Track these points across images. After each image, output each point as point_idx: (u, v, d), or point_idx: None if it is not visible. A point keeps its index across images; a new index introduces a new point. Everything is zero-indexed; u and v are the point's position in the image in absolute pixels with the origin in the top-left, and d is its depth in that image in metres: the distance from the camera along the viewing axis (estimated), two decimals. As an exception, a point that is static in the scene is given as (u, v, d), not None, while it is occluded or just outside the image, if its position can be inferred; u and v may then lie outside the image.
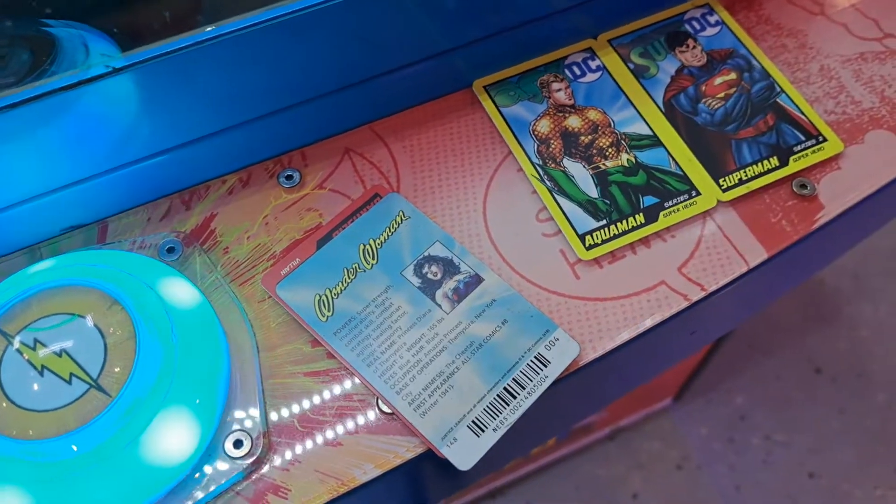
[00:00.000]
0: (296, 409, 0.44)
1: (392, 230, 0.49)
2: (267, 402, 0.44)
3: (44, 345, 0.40)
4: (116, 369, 0.40)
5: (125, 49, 0.54)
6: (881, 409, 1.41)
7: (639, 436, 1.34)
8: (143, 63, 0.44)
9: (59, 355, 0.40)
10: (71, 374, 0.39)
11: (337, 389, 0.45)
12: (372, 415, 0.44)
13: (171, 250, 0.48)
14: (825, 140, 0.53)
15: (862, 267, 1.54)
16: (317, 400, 0.44)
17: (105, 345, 0.40)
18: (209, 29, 0.46)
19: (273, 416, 0.44)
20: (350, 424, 0.44)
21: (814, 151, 0.52)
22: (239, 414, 0.43)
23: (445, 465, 0.42)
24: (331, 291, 0.47)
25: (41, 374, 0.39)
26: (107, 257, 0.46)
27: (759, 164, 0.52)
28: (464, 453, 0.42)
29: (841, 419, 1.40)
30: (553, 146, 0.53)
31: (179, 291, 0.44)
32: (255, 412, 0.43)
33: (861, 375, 1.44)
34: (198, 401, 0.41)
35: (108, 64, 0.43)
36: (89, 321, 0.41)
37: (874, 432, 1.38)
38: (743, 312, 0.63)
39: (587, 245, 0.49)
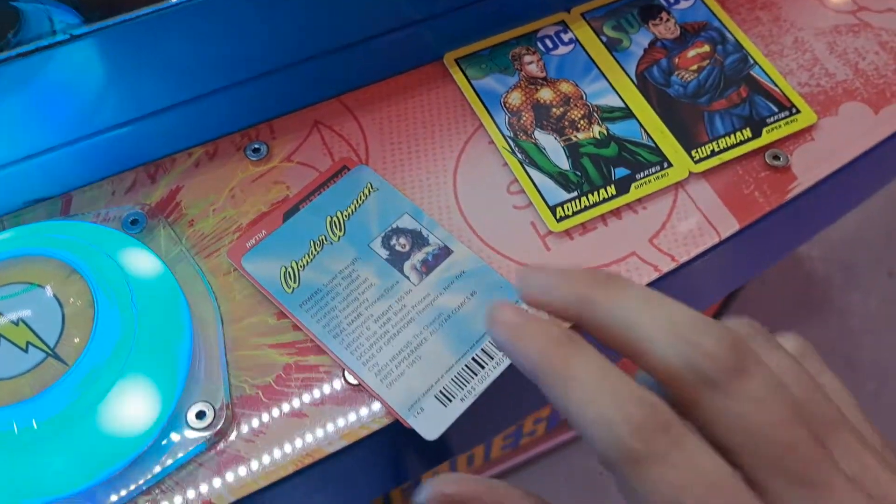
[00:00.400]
0: (260, 380, 0.43)
1: (360, 202, 0.48)
2: (231, 373, 0.43)
3: (1, 314, 0.40)
4: (75, 339, 0.39)
5: (91, 23, 0.53)
6: (870, 398, 1.41)
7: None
8: (106, 29, 0.43)
9: (16, 324, 0.39)
10: (28, 343, 0.39)
11: (303, 361, 0.44)
12: (338, 385, 0.43)
13: (134, 222, 0.47)
14: (798, 112, 0.52)
15: (852, 257, 1.54)
16: (282, 372, 0.44)
17: (63, 314, 0.40)
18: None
19: (237, 388, 0.43)
20: (316, 395, 0.43)
21: (787, 123, 0.52)
22: (202, 385, 0.42)
23: (415, 437, 0.42)
24: (297, 263, 0.46)
25: (-2, 342, 0.39)
26: (67, 228, 0.45)
27: (732, 136, 0.51)
28: (430, 423, 0.42)
29: (830, 408, 1.40)
30: (524, 118, 0.52)
31: (141, 262, 0.44)
32: (218, 383, 0.42)
33: (851, 365, 1.44)
34: (159, 371, 0.40)
35: (70, 31, 0.43)
36: (48, 291, 0.40)
37: (863, 420, 1.38)
38: (718, 288, 0.62)
39: (558, 217, 0.48)
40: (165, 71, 0.47)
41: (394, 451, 0.47)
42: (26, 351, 0.39)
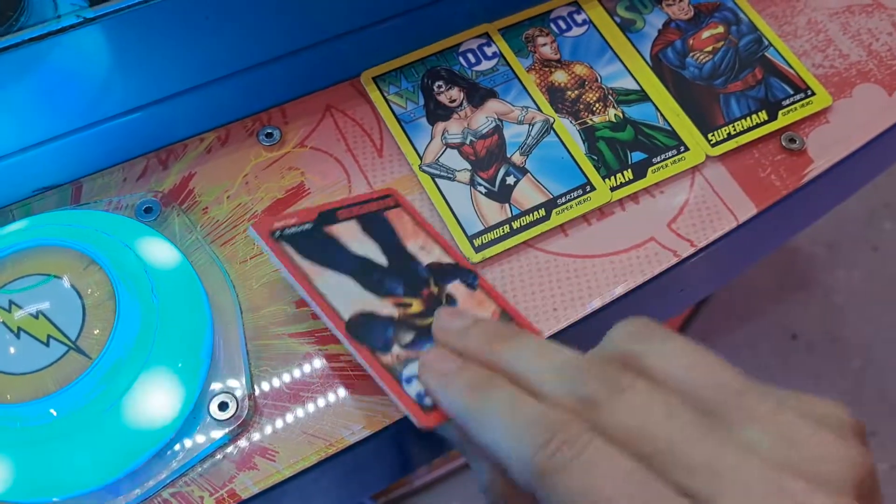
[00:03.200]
0: (281, 370, 0.43)
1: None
2: (252, 363, 0.43)
3: (19, 306, 0.39)
4: (96, 331, 0.39)
5: (96, 3, 0.52)
6: (855, 373, 1.42)
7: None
8: (117, 13, 0.42)
9: (36, 317, 0.39)
10: (49, 336, 0.38)
11: (323, 350, 0.44)
12: (359, 374, 0.43)
13: (148, 210, 0.46)
14: (813, 94, 0.52)
15: (836, 235, 1.55)
16: (303, 361, 0.43)
17: (83, 306, 0.39)
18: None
19: (258, 379, 0.43)
20: (338, 385, 0.43)
21: (802, 105, 0.52)
22: (223, 376, 0.41)
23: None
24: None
25: (17, 336, 0.38)
26: (82, 217, 0.44)
27: (748, 119, 0.51)
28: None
29: (817, 384, 1.41)
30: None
31: (158, 251, 0.43)
32: (240, 374, 0.42)
33: (836, 341, 1.46)
34: (180, 363, 0.40)
35: (80, 14, 0.41)
36: (66, 282, 0.40)
37: (849, 396, 1.39)
38: (732, 269, 0.62)
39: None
40: (175, 56, 0.46)
41: (409, 439, 0.47)
42: (47, 345, 0.38)
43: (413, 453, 0.49)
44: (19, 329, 0.38)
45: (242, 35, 0.47)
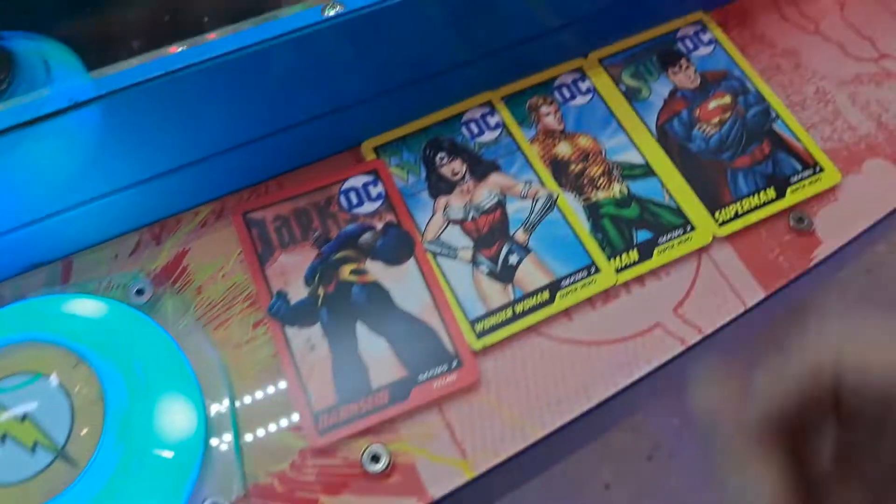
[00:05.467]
0: (275, 467, 0.41)
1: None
2: (244, 459, 0.41)
3: (5, 408, 0.38)
4: (85, 437, 0.37)
5: (89, 61, 0.51)
6: (847, 397, 1.42)
7: (609, 427, 1.33)
8: (110, 95, 0.40)
9: (22, 420, 0.37)
10: (35, 443, 0.37)
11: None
12: (356, 472, 0.42)
13: (140, 292, 0.45)
14: (822, 170, 0.51)
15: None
16: (297, 457, 0.42)
17: (71, 406, 0.38)
18: (179, 51, 0.43)
19: (251, 476, 0.41)
20: (334, 483, 0.41)
21: (811, 182, 0.51)
22: (216, 475, 0.40)
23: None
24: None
25: (2, 441, 0.37)
26: (72, 304, 0.43)
27: (756, 196, 0.50)
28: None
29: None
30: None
31: (151, 342, 0.42)
32: (232, 472, 0.40)
33: (827, 365, 1.45)
34: (172, 466, 0.39)
35: (72, 97, 0.40)
36: (54, 380, 0.38)
37: (840, 421, 1.39)
38: (735, 346, 0.61)
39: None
40: (171, 133, 0.44)
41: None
42: (33, 452, 0.36)
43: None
44: (4, 435, 0.37)
45: (241, 110, 0.45)
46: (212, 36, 0.44)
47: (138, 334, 0.42)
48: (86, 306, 0.43)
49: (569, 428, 0.44)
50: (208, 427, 0.41)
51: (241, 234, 0.48)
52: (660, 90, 0.54)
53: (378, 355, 0.44)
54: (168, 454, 0.38)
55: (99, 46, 0.52)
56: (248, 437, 0.42)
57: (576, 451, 1.30)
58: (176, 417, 0.40)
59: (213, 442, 0.41)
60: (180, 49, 0.43)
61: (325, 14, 0.42)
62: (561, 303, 0.46)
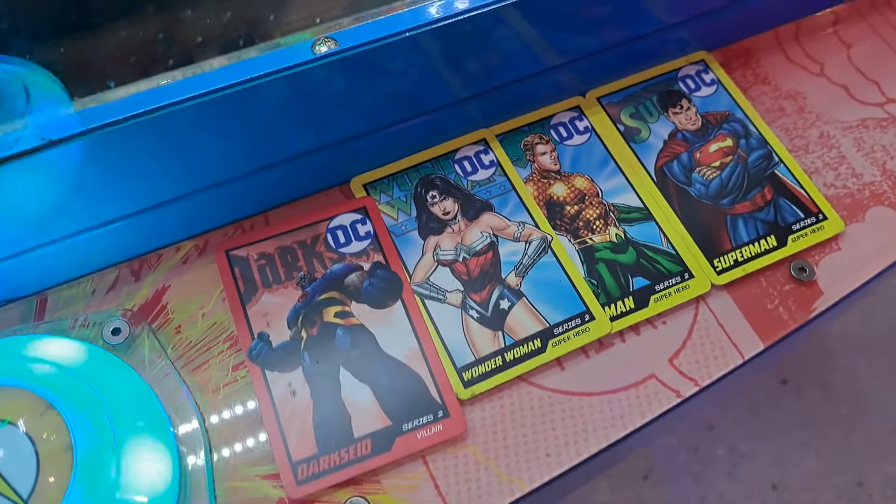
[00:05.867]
0: (252, 519, 0.40)
1: (362, 312, 0.45)
2: (220, 512, 0.40)
3: (-32, 457, 0.36)
4: (50, 484, 0.35)
5: (72, 87, 0.49)
6: (844, 420, 1.40)
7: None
8: (91, 132, 0.39)
9: (-15, 470, 0.35)
10: (-2, 494, 0.35)
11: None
12: (336, 526, 0.40)
13: (116, 331, 0.43)
14: (825, 218, 0.50)
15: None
16: (275, 508, 0.40)
17: (38, 457, 0.36)
18: (165, 84, 0.41)
19: (226, 528, 0.39)
20: (312, 537, 0.40)
21: (813, 231, 0.49)
22: (188, 528, 0.38)
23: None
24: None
25: (-36, 493, 0.35)
26: (42, 346, 0.41)
27: (756, 244, 0.49)
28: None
29: (805, 430, 1.39)
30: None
31: (124, 387, 0.40)
32: (206, 526, 0.39)
33: (826, 387, 1.43)
34: (142, 517, 0.37)
35: (44, 136, 0.38)
36: (21, 427, 0.37)
37: (837, 444, 1.37)
38: (733, 393, 0.60)
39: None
40: (154, 169, 0.43)
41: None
42: (-4, 504, 0.35)
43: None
44: (-33, 485, 0.35)
45: (228, 146, 0.44)
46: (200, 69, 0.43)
47: (111, 379, 0.40)
48: (57, 348, 0.41)
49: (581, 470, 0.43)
50: (182, 477, 0.39)
51: (223, 272, 0.46)
52: (659, 131, 0.53)
53: (361, 403, 0.43)
54: (138, 506, 0.37)
55: (83, 73, 0.50)
56: (224, 487, 0.40)
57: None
58: (148, 468, 0.38)
59: (186, 492, 0.39)
60: (166, 83, 0.41)
61: (317, 51, 0.41)
62: (553, 351, 0.45)
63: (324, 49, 0.41)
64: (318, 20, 0.53)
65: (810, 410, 1.41)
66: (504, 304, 0.46)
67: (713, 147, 0.52)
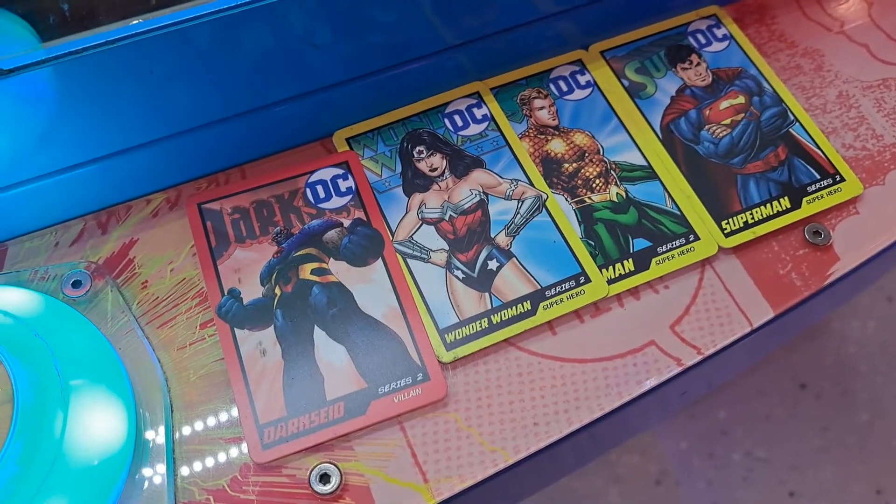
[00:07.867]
0: (212, 483, 0.37)
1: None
2: (178, 472, 0.37)
3: None
4: (-10, 437, 0.33)
5: (46, 35, 0.47)
6: (863, 427, 1.36)
7: (617, 448, 1.28)
8: (55, 60, 0.36)
9: (-81, 421, 0.33)
10: (-69, 446, 0.32)
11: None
12: (305, 492, 0.37)
13: (76, 284, 0.40)
14: (843, 180, 0.46)
15: (853, 282, 1.49)
16: (238, 473, 0.37)
17: (-23, 408, 0.33)
18: (135, 22, 0.38)
19: (184, 492, 0.37)
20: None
21: (830, 193, 0.46)
22: (142, 492, 0.35)
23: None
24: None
25: None
26: (-5, 295, 0.38)
27: (768, 206, 0.45)
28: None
29: (823, 436, 1.35)
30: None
31: (80, 341, 0.37)
32: (160, 489, 0.36)
33: (846, 393, 1.39)
34: (92, 478, 0.34)
35: (14, 62, 0.36)
36: (-39, 378, 0.34)
37: (855, 451, 1.33)
38: (740, 366, 0.56)
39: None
40: (125, 107, 0.40)
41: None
42: (-72, 456, 0.32)
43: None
44: None
45: (203, 86, 0.41)
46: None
47: (66, 332, 0.37)
48: (10, 297, 0.38)
49: (574, 442, 0.40)
50: (139, 438, 0.36)
51: (194, 226, 0.43)
52: (666, 87, 0.49)
53: (336, 364, 0.40)
54: (87, 465, 0.34)
55: (55, 17, 0.48)
56: (185, 450, 0.38)
57: (583, 471, 1.25)
58: (100, 426, 0.35)
59: (143, 454, 0.36)
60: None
61: (291, -18, 0.38)
62: (544, 315, 0.42)
63: (300, -18, 0.38)
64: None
65: (828, 416, 1.37)
66: (492, 265, 0.43)
67: (724, 104, 0.49)
